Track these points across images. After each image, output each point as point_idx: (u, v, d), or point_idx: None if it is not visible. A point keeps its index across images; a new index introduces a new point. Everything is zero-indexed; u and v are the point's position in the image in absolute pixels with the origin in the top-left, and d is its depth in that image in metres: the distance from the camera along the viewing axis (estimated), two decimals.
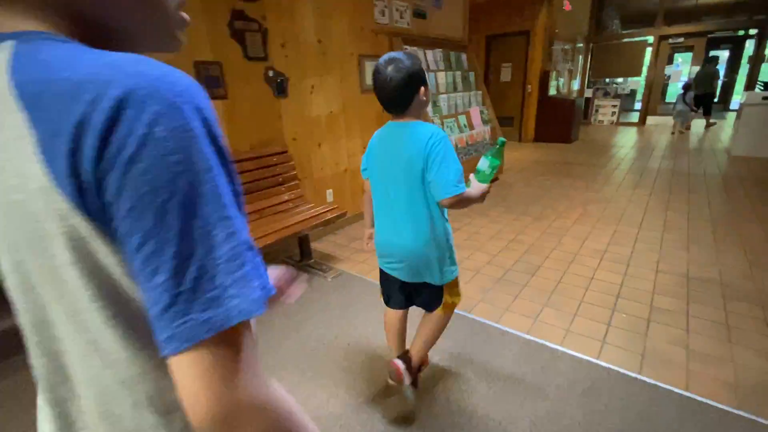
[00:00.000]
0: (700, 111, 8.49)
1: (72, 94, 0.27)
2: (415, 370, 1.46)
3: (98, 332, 0.33)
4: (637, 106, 10.73)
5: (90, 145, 0.27)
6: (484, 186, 1.20)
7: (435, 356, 1.75)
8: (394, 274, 1.33)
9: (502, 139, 1.18)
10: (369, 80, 3.39)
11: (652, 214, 3.42)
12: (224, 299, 0.29)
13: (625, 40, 9.78)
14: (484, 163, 1.19)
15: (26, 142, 0.28)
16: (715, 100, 9.54)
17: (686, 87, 8.04)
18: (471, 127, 4.43)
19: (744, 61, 11.29)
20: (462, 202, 1.14)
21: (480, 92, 4.73)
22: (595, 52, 10.20)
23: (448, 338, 1.86)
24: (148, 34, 0.38)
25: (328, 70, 3.04)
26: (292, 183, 2.77)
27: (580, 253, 2.73)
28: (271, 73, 2.64)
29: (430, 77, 3.95)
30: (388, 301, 1.47)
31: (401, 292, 1.41)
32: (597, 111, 10.28)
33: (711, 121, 8.63)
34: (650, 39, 9.30)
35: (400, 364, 1.40)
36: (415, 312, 1.47)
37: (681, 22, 9.46)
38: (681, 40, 10.40)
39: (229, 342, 0.30)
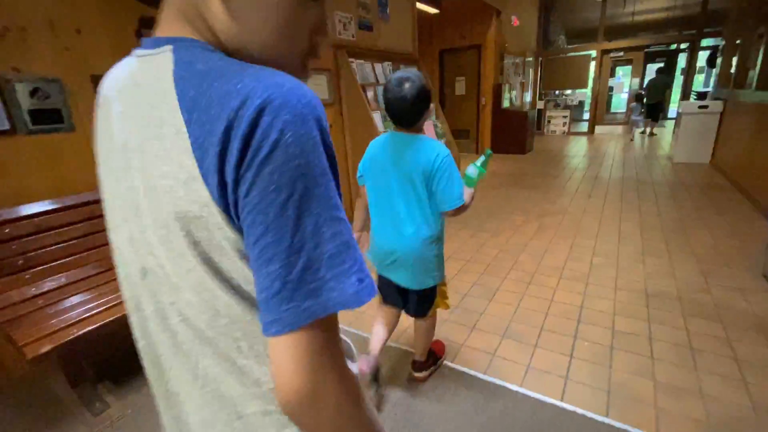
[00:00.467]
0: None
1: (221, 102, 0.32)
2: (430, 362, 1.68)
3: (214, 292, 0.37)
4: (586, 116, 11.21)
5: (236, 148, 0.31)
6: (471, 191, 1.30)
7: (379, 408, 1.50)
8: (393, 277, 1.42)
9: (489, 150, 1.33)
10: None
11: (607, 225, 3.38)
12: (324, 290, 0.33)
13: (571, 54, 10.23)
14: (474, 171, 1.29)
15: (183, 138, 0.34)
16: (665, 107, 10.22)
17: (639, 97, 8.57)
18: None
19: (678, 73, 12.15)
20: (460, 210, 1.28)
21: (432, 105, 4.63)
22: (544, 66, 10.59)
23: (398, 383, 1.62)
24: (278, 66, 0.38)
25: None
26: None
27: (538, 272, 2.60)
28: None
29: (378, 91, 3.78)
30: (385, 299, 1.57)
31: (398, 293, 1.50)
32: (549, 122, 10.62)
33: (653, 132, 9.12)
34: (593, 53, 9.78)
35: (421, 375, 1.64)
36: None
37: (620, 38, 10.04)
38: (621, 54, 11.03)
39: (323, 329, 0.34)
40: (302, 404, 0.34)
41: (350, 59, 3.42)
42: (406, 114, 1.23)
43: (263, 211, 0.31)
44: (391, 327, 1.59)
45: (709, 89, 7.95)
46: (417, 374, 1.65)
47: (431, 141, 1.26)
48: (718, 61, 6.25)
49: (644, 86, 9.42)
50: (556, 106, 10.86)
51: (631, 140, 8.74)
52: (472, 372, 1.71)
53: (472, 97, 7.84)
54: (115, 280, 1.70)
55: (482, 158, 1.29)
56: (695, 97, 8.90)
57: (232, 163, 0.31)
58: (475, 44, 7.43)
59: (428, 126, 4.39)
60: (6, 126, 1.62)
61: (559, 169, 5.92)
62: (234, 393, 0.40)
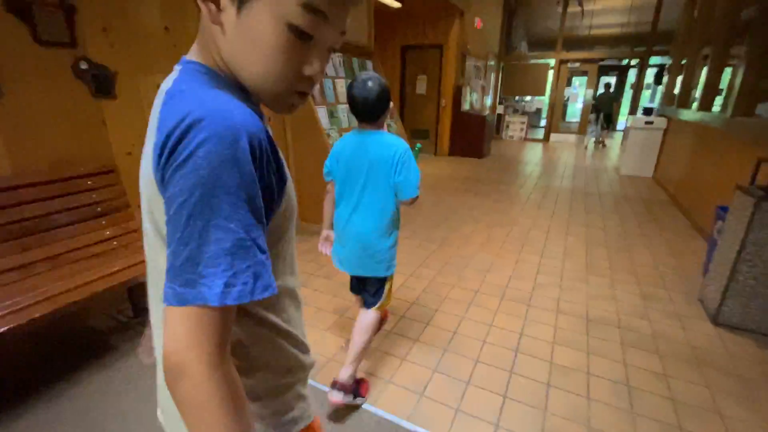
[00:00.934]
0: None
1: (173, 116, 0.39)
2: (351, 386, 1.50)
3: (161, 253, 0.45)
4: (543, 122, 11.49)
5: (166, 153, 0.39)
6: None
7: None
8: (354, 268, 1.51)
9: (419, 145, 1.56)
10: None
11: (553, 239, 3.31)
12: (197, 284, 0.38)
13: (532, 61, 10.40)
14: None
15: (152, 139, 0.42)
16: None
17: (597, 109, 8.99)
18: None
19: (627, 87, 12.77)
20: (415, 199, 1.37)
21: (392, 104, 4.38)
22: (505, 71, 10.69)
23: None
24: (265, 92, 0.47)
25: None
26: (121, 213, 2.08)
27: (481, 291, 2.44)
28: (83, 65, 1.94)
29: (327, 83, 3.48)
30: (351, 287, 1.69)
31: (355, 279, 1.63)
32: (508, 127, 10.76)
33: (604, 142, 9.49)
34: (552, 62, 9.98)
35: (338, 398, 1.45)
36: None
37: (577, 49, 10.32)
38: (578, 65, 11.38)
39: (196, 316, 0.38)
40: (170, 371, 0.39)
41: None
42: (371, 110, 1.32)
43: (170, 205, 0.39)
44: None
45: (654, 105, 8.35)
46: (334, 397, 1.45)
47: (392, 136, 1.38)
48: (665, 78, 6.50)
49: (595, 98, 9.84)
50: (515, 111, 11.03)
51: (585, 148, 9.19)
52: (394, 419, 1.48)
53: (433, 98, 7.70)
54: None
55: (414, 151, 1.42)
56: (642, 113, 9.38)
57: (162, 162, 0.40)
58: (437, 43, 7.27)
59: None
60: None
61: (513, 176, 5.91)
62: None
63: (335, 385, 1.45)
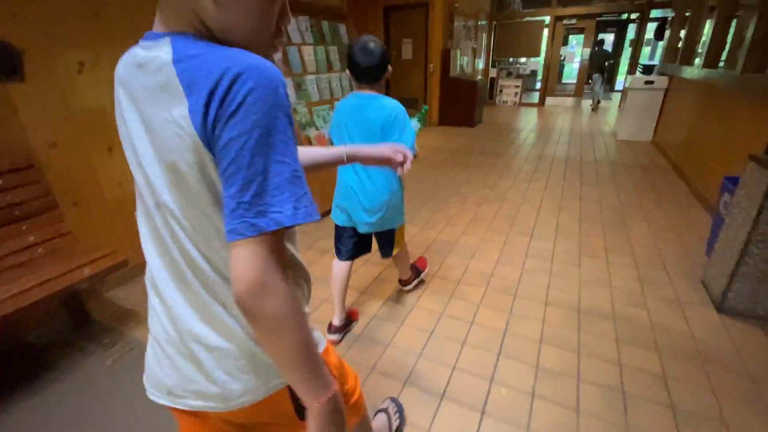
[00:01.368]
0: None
1: (207, 75, 0.43)
2: (413, 276, 2.13)
3: (209, 210, 0.51)
4: (539, 85, 10.97)
5: (214, 106, 0.43)
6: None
7: None
8: (364, 226, 1.63)
9: (425, 107, 1.63)
10: None
11: (545, 216, 3.08)
12: (268, 212, 0.44)
13: (526, 19, 9.77)
14: (415, 125, 1.49)
15: (183, 104, 0.45)
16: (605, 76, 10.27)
17: (601, 69, 8.55)
18: None
19: (626, 44, 12.14)
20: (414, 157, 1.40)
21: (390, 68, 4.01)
22: (497, 31, 10.07)
23: None
24: (252, 49, 0.48)
25: (109, 40, 2.05)
26: (47, 215, 1.81)
27: (463, 281, 2.22)
28: None
29: (292, 51, 3.11)
30: (339, 253, 1.77)
31: (353, 244, 1.72)
32: (501, 91, 10.27)
33: (598, 101, 9.07)
34: (547, 19, 9.38)
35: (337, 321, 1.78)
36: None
37: (573, 4, 9.68)
38: (574, 21, 10.73)
39: (268, 241, 0.45)
40: (251, 293, 0.44)
41: None
42: (373, 69, 1.38)
43: (228, 150, 0.43)
44: (347, 280, 1.78)
45: (655, 63, 7.88)
46: (404, 288, 2.14)
47: (389, 99, 1.43)
48: (667, 33, 6.05)
49: (590, 57, 9.34)
50: (509, 75, 10.49)
51: (593, 109, 8.87)
52: None
53: (420, 63, 7.23)
54: None
55: (420, 113, 1.55)
56: (641, 70, 8.90)
57: (211, 116, 0.44)
58: (422, 1, 6.73)
59: None
60: None
61: (505, 146, 5.59)
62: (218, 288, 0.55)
63: (401, 281, 2.12)
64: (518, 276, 2.26)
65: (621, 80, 11.73)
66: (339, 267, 1.77)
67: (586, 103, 9.80)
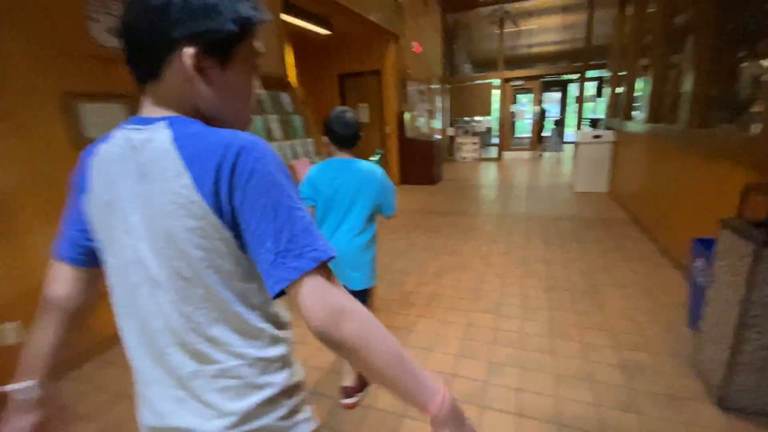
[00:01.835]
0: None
1: (211, 151, 0.49)
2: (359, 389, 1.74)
3: (208, 281, 0.53)
4: (496, 140, 11.38)
5: (225, 176, 0.48)
6: None
7: None
8: (346, 284, 1.57)
9: (380, 150, 2.23)
10: (89, 130, 2.14)
11: (510, 287, 2.77)
12: (305, 252, 0.48)
13: (477, 82, 10.33)
14: None
15: (184, 176, 0.49)
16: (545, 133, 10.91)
17: (558, 122, 9.07)
18: (297, 183, 3.44)
19: (572, 100, 13.06)
20: (395, 214, 1.64)
21: (311, 140, 3.82)
22: (452, 93, 10.56)
23: None
24: (232, 125, 0.56)
25: None
26: None
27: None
28: None
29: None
30: None
31: None
32: (460, 148, 10.53)
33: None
34: (496, 81, 9.94)
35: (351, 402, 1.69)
36: None
37: (519, 67, 10.38)
38: (521, 82, 11.48)
39: (316, 275, 0.48)
40: (334, 320, 0.47)
41: None
42: (352, 137, 1.55)
43: (253, 211, 0.48)
44: None
45: (601, 116, 8.35)
46: (345, 400, 1.70)
47: (367, 162, 1.59)
48: (605, 90, 6.40)
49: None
50: (466, 132, 10.85)
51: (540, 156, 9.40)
52: None
53: (377, 125, 7.26)
54: None
55: (376, 158, 1.75)
56: (588, 124, 9.43)
57: (224, 186, 0.48)
58: (375, 69, 6.90)
59: (302, 165, 3.54)
60: None
61: (466, 204, 5.45)
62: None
63: (345, 390, 1.70)
64: (484, 374, 1.87)
65: (571, 132, 12.45)
66: None
67: (544, 156, 10.20)
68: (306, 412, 0.62)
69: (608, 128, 5.65)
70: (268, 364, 0.56)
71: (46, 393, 0.65)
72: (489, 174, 8.12)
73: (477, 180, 7.47)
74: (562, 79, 13.43)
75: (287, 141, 3.44)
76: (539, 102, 9.78)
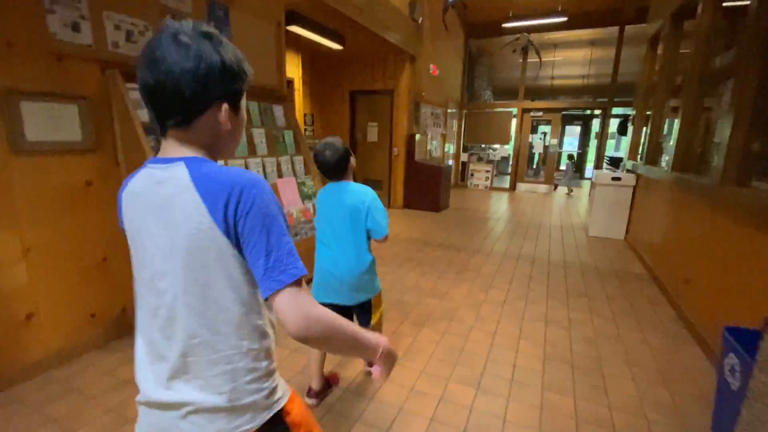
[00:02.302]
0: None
1: (221, 188, 0.62)
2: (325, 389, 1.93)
3: (220, 295, 0.67)
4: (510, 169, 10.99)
5: (232, 209, 0.62)
6: None
7: None
8: (338, 300, 1.72)
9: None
10: (33, 133, 1.90)
11: (499, 351, 2.38)
12: (287, 269, 0.63)
13: (497, 110, 10.05)
14: None
15: (201, 207, 0.63)
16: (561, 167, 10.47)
17: (571, 157, 8.78)
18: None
19: (593, 136, 12.63)
20: (386, 238, 1.69)
21: (301, 158, 3.54)
22: (467, 119, 10.29)
23: None
24: (230, 152, 0.76)
25: None
26: None
27: None
28: None
29: None
30: None
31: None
32: (473, 175, 10.19)
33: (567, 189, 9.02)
34: (515, 110, 9.64)
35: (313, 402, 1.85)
36: None
37: (540, 98, 10.07)
38: (541, 114, 11.14)
39: (294, 288, 0.63)
40: (301, 326, 0.61)
41: (131, 85, 2.22)
42: (333, 169, 1.66)
43: (251, 234, 0.63)
44: (325, 354, 1.87)
45: (621, 154, 7.90)
46: (310, 401, 1.85)
47: (360, 185, 1.69)
48: (629, 129, 6.00)
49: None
50: (480, 159, 10.52)
51: (567, 194, 9.18)
52: None
53: (385, 146, 7.01)
54: None
55: None
56: (608, 163, 8.98)
57: (231, 215, 0.62)
58: (387, 89, 6.69)
59: (287, 184, 3.25)
60: None
61: (467, 237, 5.07)
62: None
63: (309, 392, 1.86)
64: None
65: (590, 167, 11.96)
66: None
67: (559, 191, 9.75)
68: (280, 391, 0.76)
69: (628, 171, 5.24)
70: (257, 354, 0.70)
71: None
72: (499, 205, 7.72)
73: (485, 211, 7.08)
74: (584, 114, 13.06)
75: (271, 157, 3.17)
76: (559, 135, 9.43)
